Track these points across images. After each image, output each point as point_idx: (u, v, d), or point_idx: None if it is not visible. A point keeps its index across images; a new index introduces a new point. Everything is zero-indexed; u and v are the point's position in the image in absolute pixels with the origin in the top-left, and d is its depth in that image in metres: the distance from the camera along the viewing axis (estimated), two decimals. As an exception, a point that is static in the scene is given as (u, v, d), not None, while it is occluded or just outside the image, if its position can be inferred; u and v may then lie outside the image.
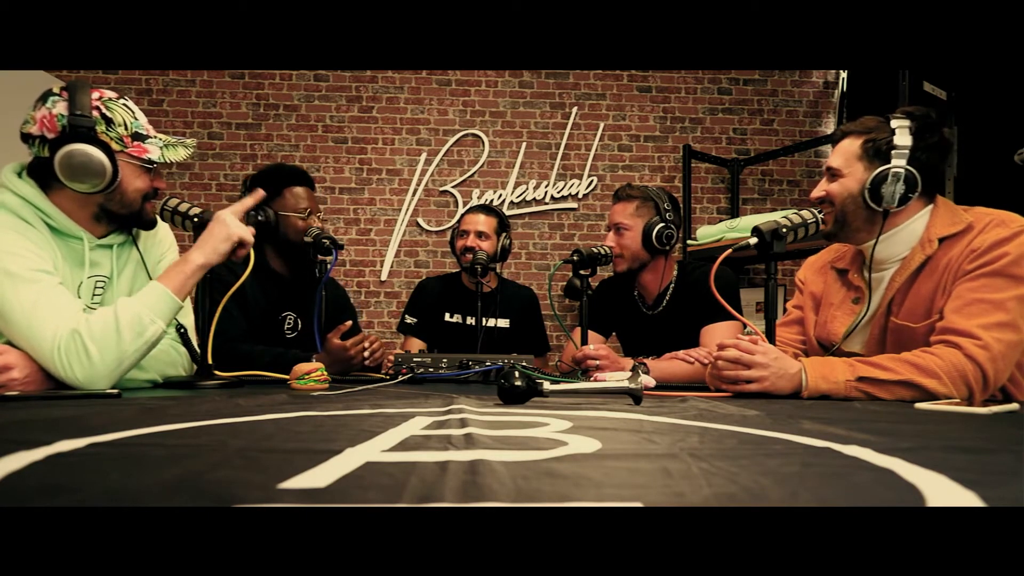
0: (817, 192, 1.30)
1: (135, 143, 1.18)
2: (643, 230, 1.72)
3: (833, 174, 1.27)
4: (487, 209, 2.21)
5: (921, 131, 1.20)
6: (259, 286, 1.70)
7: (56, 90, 1.14)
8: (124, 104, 1.18)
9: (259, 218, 1.65)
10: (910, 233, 1.23)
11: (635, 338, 1.96)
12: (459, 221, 2.23)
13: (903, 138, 1.19)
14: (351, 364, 1.61)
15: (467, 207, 2.29)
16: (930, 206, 1.24)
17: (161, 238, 1.37)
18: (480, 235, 2.12)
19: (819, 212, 1.30)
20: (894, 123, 1.21)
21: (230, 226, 1.21)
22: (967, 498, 0.37)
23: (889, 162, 1.19)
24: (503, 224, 2.19)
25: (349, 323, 1.64)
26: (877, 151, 1.21)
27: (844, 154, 1.26)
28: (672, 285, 1.83)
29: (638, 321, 1.88)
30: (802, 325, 1.44)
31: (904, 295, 1.23)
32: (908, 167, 1.18)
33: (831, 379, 1.10)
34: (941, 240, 1.19)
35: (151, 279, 1.19)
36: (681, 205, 3.06)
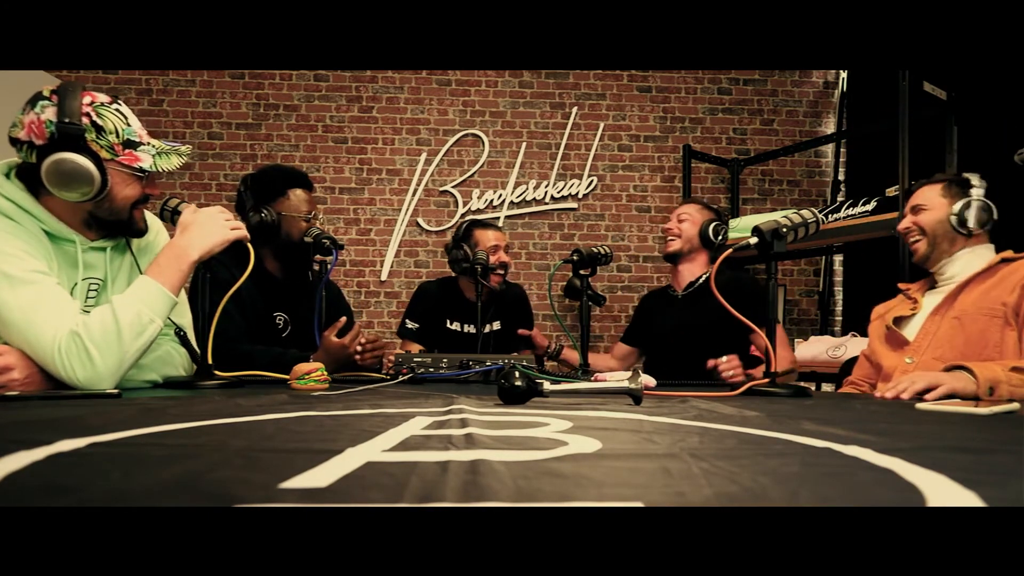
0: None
1: (127, 151, 1.14)
2: (703, 222, 2.09)
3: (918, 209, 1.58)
4: (495, 225, 2.35)
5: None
6: (254, 287, 1.70)
7: (46, 93, 1.08)
8: (117, 110, 1.14)
9: (261, 217, 1.65)
10: (976, 256, 1.51)
11: (662, 322, 2.17)
12: (471, 237, 2.19)
13: (975, 179, 1.52)
14: (351, 359, 1.61)
15: (473, 221, 2.27)
16: (991, 244, 1.53)
17: (157, 238, 1.36)
18: (507, 249, 2.26)
19: (819, 211, 1.33)
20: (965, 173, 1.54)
21: (227, 228, 1.23)
22: (967, 498, 0.37)
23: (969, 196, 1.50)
24: None
25: (344, 319, 1.64)
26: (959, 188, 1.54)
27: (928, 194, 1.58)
28: (704, 276, 2.09)
29: (667, 304, 2.19)
30: (869, 360, 1.66)
31: (962, 298, 1.47)
32: (985, 199, 1.49)
33: (993, 369, 1.21)
34: (1004, 261, 1.47)
35: None
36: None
